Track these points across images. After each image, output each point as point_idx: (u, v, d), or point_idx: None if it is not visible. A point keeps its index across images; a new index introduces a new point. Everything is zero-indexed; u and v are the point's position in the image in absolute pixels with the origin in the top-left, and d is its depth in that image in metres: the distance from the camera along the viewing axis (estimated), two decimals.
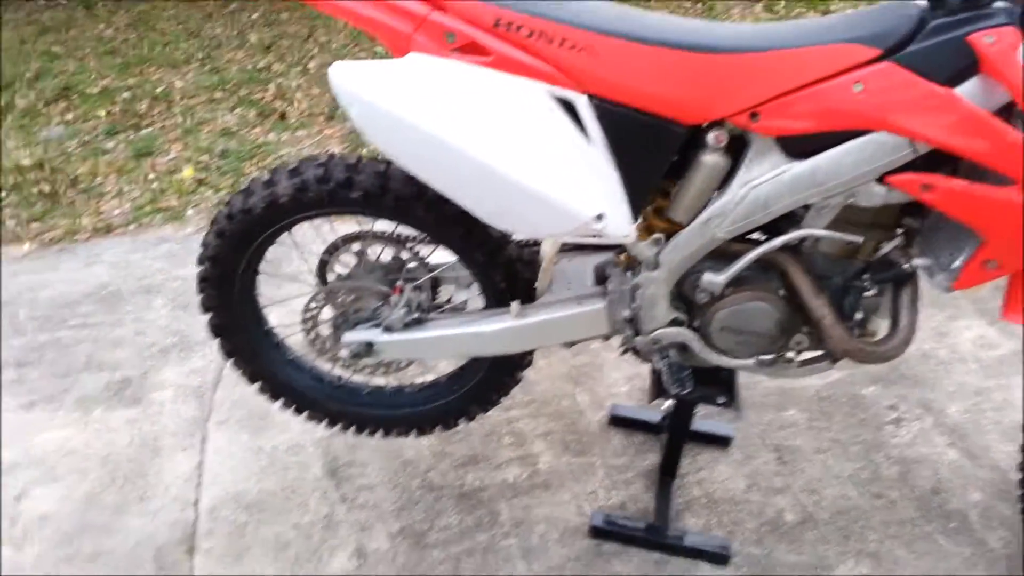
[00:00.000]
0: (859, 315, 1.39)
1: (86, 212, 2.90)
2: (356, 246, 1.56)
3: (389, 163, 1.41)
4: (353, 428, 1.78)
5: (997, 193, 1.14)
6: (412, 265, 1.58)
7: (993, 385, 2.10)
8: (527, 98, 1.21)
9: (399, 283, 1.53)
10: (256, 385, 1.71)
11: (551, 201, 1.22)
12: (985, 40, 1.08)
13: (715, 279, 1.33)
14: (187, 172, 3.13)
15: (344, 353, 1.58)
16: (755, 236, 1.36)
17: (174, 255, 2.64)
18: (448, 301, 1.63)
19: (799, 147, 1.21)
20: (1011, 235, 1.17)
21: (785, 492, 1.82)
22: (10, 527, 1.73)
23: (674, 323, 1.42)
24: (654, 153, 1.25)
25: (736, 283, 1.35)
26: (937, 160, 1.17)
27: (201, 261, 1.53)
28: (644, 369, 2.07)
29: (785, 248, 1.31)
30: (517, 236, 1.47)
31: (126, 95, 3.80)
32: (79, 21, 4.75)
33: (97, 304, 2.41)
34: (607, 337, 1.52)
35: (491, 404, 1.73)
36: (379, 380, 1.74)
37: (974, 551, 1.69)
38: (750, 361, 1.43)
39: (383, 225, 1.48)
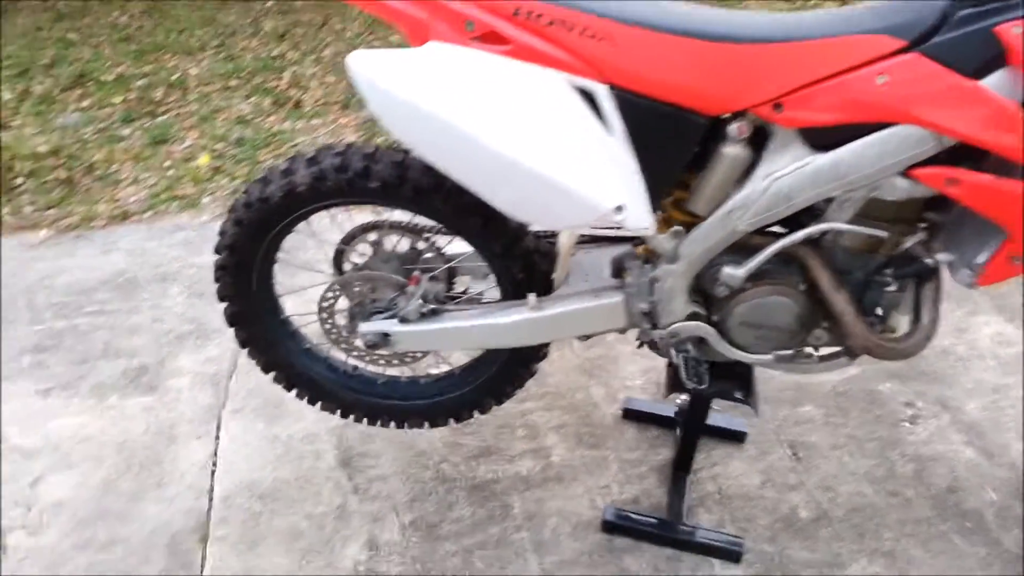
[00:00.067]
0: (879, 311, 1.38)
1: (102, 199, 2.90)
2: (373, 236, 1.56)
3: (407, 153, 1.40)
4: (367, 419, 1.78)
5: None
6: (428, 255, 1.57)
7: (1012, 383, 2.08)
8: (547, 88, 1.20)
9: (416, 273, 1.52)
10: (271, 374, 1.71)
11: (570, 192, 1.21)
12: (1013, 31, 1.06)
13: (735, 272, 1.32)
14: (203, 160, 3.14)
15: (360, 343, 1.58)
16: (775, 229, 1.35)
17: (190, 243, 2.65)
18: (464, 292, 1.63)
19: (822, 139, 1.19)
20: None
21: (800, 489, 1.81)
22: (26, 513, 1.74)
23: (692, 317, 1.40)
24: (675, 144, 1.23)
25: (756, 277, 1.34)
26: (962, 153, 1.15)
27: (219, 249, 1.53)
28: (659, 362, 2.06)
29: (806, 241, 1.30)
30: (535, 227, 1.46)
31: (141, 82, 3.80)
32: (94, 8, 4.75)
33: (114, 291, 2.42)
34: (623, 330, 1.51)
35: (506, 397, 1.72)
36: (394, 371, 1.74)
37: (990, 551, 1.67)
38: (769, 356, 1.42)
39: (400, 215, 1.48)
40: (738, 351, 1.42)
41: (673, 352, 1.46)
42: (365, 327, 1.54)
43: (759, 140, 1.23)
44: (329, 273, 1.62)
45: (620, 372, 2.12)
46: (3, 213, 2.83)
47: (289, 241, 1.56)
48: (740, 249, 1.32)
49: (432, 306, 1.53)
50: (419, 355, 1.66)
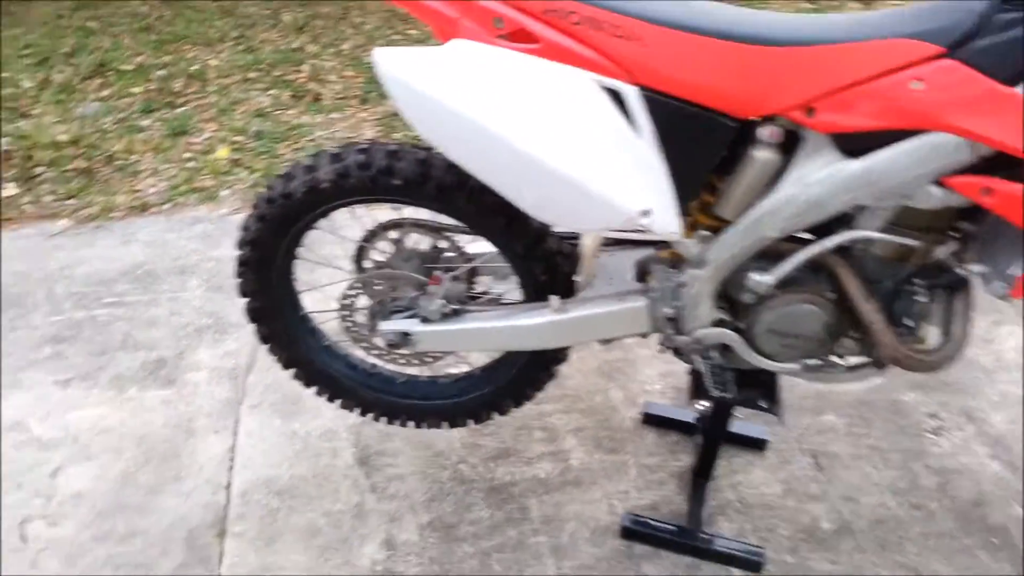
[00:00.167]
0: (909, 321, 1.35)
1: (122, 190, 2.91)
2: (394, 234, 1.55)
3: (430, 150, 1.39)
4: (385, 417, 1.77)
5: None
6: (450, 255, 1.55)
7: None
8: (575, 88, 1.18)
9: (437, 273, 1.51)
10: (290, 371, 1.71)
11: (597, 194, 1.19)
12: None
13: (762, 279, 1.30)
14: (222, 152, 3.14)
15: (380, 342, 1.57)
16: (803, 235, 1.32)
17: (209, 235, 2.65)
18: (485, 292, 1.61)
19: (854, 145, 1.16)
20: None
21: (822, 499, 1.78)
22: (46, 503, 1.74)
23: (718, 323, 1.38)
24: (704, 147, 1.21)
25: (784, 284, 1.31)
26: (998, 162, 1.12)
27: (240, 245, 1.52)
28: (678, 366, 2.03)
29: (836, 249, 1.27)
30: (559, 229, 1.44)
31: (161, 72, 3.81)
32: None
33: (133, 283, 2.42)
34: (646, 335, 1.49)
35: (525, 399, 1.71)
36: (413, 370, 1.72)
37: (1015, 568, 1.64)
38: (795, 365, 1.40)
39: (422, 213, 1.46)
40: (764, 359, 1.39)
41: (697, 359, 1.43)
42: (385, 326, 1.53)
43: (789, 145, 1.21)
44: (349, 270, 1.61)
45: (639, 375, 2.10)
46: (23, 202, 2.84)
47: (309, 237, 1.55)
48: (768, 255, 1.30)
49: (454, 306, 1.51)
50: (439, 355, 1.64)
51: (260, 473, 1.81)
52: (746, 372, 1.46)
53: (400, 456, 1.86)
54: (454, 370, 1.80)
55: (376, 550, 1.65)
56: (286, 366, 1.70)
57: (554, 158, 1.17)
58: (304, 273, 1.67)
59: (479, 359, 1.81)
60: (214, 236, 2.64)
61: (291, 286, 1.62)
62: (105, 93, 3.64)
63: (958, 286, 1.32)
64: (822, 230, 1.28)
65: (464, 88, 1.16)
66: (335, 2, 4.64)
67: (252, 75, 3.81)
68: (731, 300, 1.38)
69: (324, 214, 1.46)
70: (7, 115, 3.40)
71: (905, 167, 1.14)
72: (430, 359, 1.65)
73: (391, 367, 1.72)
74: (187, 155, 3.15)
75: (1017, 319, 2.26)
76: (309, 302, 1.71)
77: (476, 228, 1.45)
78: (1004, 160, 1.10)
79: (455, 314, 1.52)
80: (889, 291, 1.33)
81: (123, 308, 2.31)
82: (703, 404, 1.58)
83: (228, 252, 2.52)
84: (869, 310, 1.29)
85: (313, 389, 1.74)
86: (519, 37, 1.18)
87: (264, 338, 1.65)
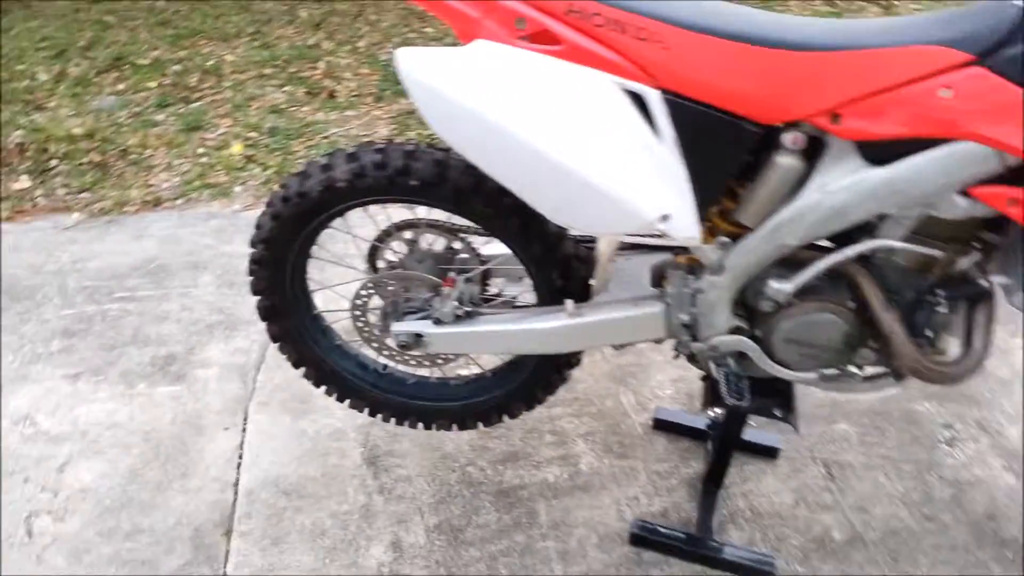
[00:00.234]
0: (929, 332, 1.33)
1: (135, 184, 2.91)
2: (408, 234, 1.54)
3: (447, 151, 1.37)
4: (395, 418, 1.76)
5: None
6: (464, 256, 1.54)
7: None
8: (596, 90, 1.17)
9: (451, 275, 1.49)
10: (301, 370, 1.70)
11: (616, 198, 1.18)
12: None
13: (781, 287, 1.28)
14: (236, 148, 3.14)
15: (392, 342, 1.56)
16: (823, 243, 1.30)
17: (222, 231, 2.64)
18: (498, 294, 1.60)
19: (879, 153, 1.15)
20: None
21: (834, 509, 1.76)
22: (53, 498, 1.73)
23: (735, 331, 1.37)
24: (726, 153, 1.20)
25: (803, 292, 1.30)
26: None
27: (254, 243, 1.51)
28: (690, 372, 2.02)
29: (856, 258, 1.25)
30: (577, 232, 1.43)
31: (177, 67, 3.81)
32: None
33: (144, 277, 2.42)
34: (661, 341, 1.48)
35: (537, 402, 1.69)
36: (424, 371, 1.71)
37: None
38: (812, 375, 1.38)
39: (437, 214, 1.45)
40: (781, 368, 1.38)
41: (713, 366, 1.42)
42: (398, 327, 1.52)
43: (812, 151, 1.19)
44: (363, 269, 1.60)
45: (650, 380, 2.08)
46: (36, 195, 2.84)
47: (322, 236, 1.54)
48: (787, 263, 1.29)
49: (467, 308, 1.50)
50: (451, 357, 1.63)
51: (268, 472, 1.80)
52: (762, 380, 1.44)
53: (408, 457, 1.85)
54: (465, 372, 1.78)
55: (383, 552, 1.64)
56: (296, 365, 1.69)
57: (574, 161, 1.16)
58: (316, 271, 1.66)
59: (490, 361, 1.79)
60: (227, 232, 2.64)
61: (304, 285, 1.62)
62: (121, 87, 3.65)
63: (980, 297, 1.30)
64: (842, 238, 1.26)
65: (484, 89, 1.15)
66: None
67: (267, 71, 3.81)
68: (748, 307, 1.36)
69: (339, 213, 1.45)
70: (22, 107, 3.41)
71: (931, 176, 1.12)
72: (441, 361, 1.64)
73: (402, 368, 1.71)
74: (201, 150, 3.15)
75: None
76: (321, 301, 1.70)
77: (492, 230, 1.44)
78: None
79: (468, 316, 1.51)
80: (910, 301, 1.31)
81: (134, 303, 2.31)
82: (717, 411, 1.56)
83: (240, 248, 2.51)
84: (889, 320, 1.27)
85: (323, 389, 1.73)
86: (541, 38, 1.17)
87: (275, 337, 1.65)
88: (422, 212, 1.50)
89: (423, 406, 1.73)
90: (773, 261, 1.28)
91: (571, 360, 1.62)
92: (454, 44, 1.22)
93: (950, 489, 1.82)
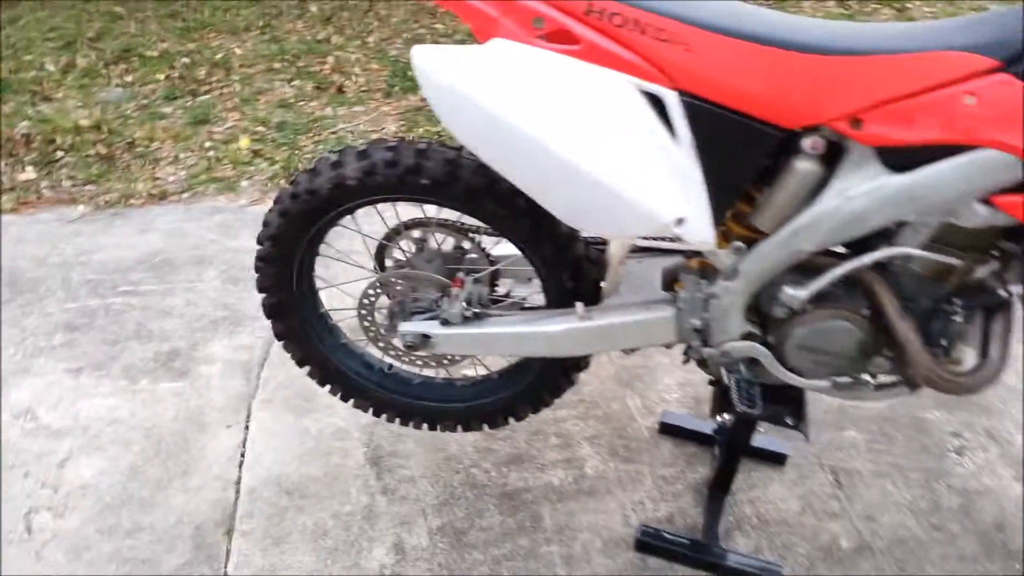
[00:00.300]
0: (944, 341, 1.31)
1: (141, 177, 2.90)
2: (416, 233, 1.52)
3: (459, 150, 1.36)
4: (399, 419, 1.74)
5: None
6: (473, 256, 1.52)
7: None
8: (614, 91, 1.15)
9: (460, 275, 1.48)
10: (305, 369, 1.68)
11: (631, 201, 1.16)
12: None
13: (796, 294, 1.26)
14: (243, 142, 3.12)
15: (398, 342, 1.54)
16: (838, 249, 1.28)
17: (227, 226, 2.63)
18: (506, 295, 1.58)
19: (899, 159, 1.13)
20: None
21: (841, 517, 1.74)
22: (52, 494, 1.72)
23: (747, 337, 1.35)
24: (744, 156, 1.18)
25: (817, 299, 1.28)
26: None
27: (261, 240, 1.49)
28: (697, 375, 2.00)
29: (873, 265, 1.23)
30: (590, 234, 1.41)
31: (185, 60, 3.80)
32: None
33: (149, 271, 2.41)
34: (671, 345, 1.46)
35: (543, 405, 1.67)
36: (430, 372, 1.70)
37: None
38: (825, 382, 1.36)
39: (446, 213, 1.43)
40: (793, 375, 1.36)
41: (724, 372, 1.40)
42: (405, 327, 1.50)
43: (831, 156, 1.17)
44: (370, 268, 1.58)
45: (657, 384, 2.06)
46: (42, 186, 2.83)
47: (330, 234, 1.53)
48: (802, 269, 1.27)
49: (476, 310, 1.48)
50: (458, 358, 1.61)
51: (270, 470, 1.78)
52: (773, 387, 1.42)
53: (412, 458, 1.83)
54: (471, 372, 1.77)
55: (385, 554, 1.62)
56: (301, 363, 1.68)
57: (589, 162, 1.14)
58: (322, 269, 1.64)
59: (497, 362, 1.77)
60: (233, 227, 2.62)
61: (311, 283, 1.60)
62: (129, 79, 3.64)
63: (997, 307, 1.28)
64: (857, 244, 1.24)
65: (500, 89, 1.14)
66: None
67: (276, 65, 3.79)
68: (762, 313, 1.34)
69: (348, 211, 1.44)
70: (29, 98, 3.40)
71: (952, 184, 1.10)
72: (448, 361, 1.62)
73: (407, 368, 1.69)
74: (208, 144, 3.13)
75: None
76: (327, 299, 1.68)
77: (502, 230, 1.43)
78: None
79: (477, 318, 1.49)
80: (925, 310, 1.29)
81: (138, 297, 2.30)
82: (726, 418, 1.54)
83: (246, 243, 2.50)
84: (905, 329, 1.25)
85: (327, 388, 1.71)
86: (559, 37, 1.15)
87: (280, 335, 1.63)
88: (431, 210, 1.48)
89: (428, 407, 1.72)
90: (788, 267, 1.26)
91: (579, 363, 1.61)
92: (464, 40, 1.21)
93: (958, 498, 1.79)
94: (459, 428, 1.73)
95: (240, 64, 3.78)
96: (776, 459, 1.85)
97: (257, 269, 1.53)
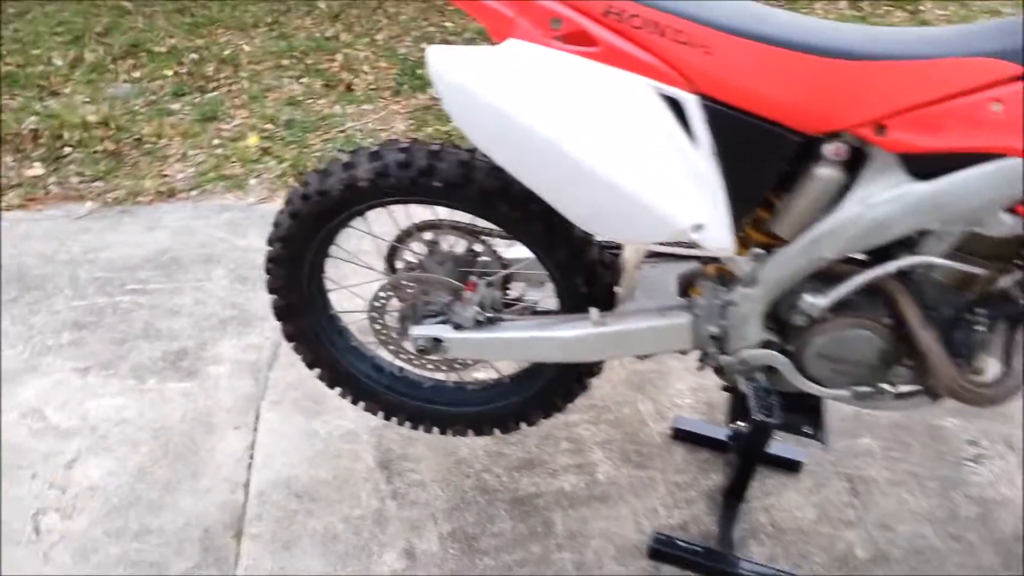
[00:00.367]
0: (966, 351, 1.28)
1: (149, 174, 2.88)
2: (428, 235, 1.50)
3: (473, 152, 1.34)
4: (409, 422, 1.72)
5: None
6: (485, 259, 1.50)
7: None
8: (632, 94, 1.13)
9: (473, 279, 1.46)
10: (315, 371, 1.66)
11: (648, 206, 1.14)
12: None
13: (816, 302, 1.24)
14: (251, 140, 3.10)
15: (410, 346, 1.52)
16: (859, 257, 1.26)
17: (236, 224, 2.61)
18: (519, 299, 1.56)
19: (923, 166, 1.10)
20: None
21: (857, 526, 1.72)
22: (60, 495, 1.71)
23: (765, 345, 1.32)
24: (765, 162, 1.15)
25: (837, 307, 1.25)
26: None
27: (272, 241, 1.47)
28: (710, 381, 1.98)
29: (895, 274, 1.21)
30: (605, 239, 1.39)
31: (193, 56, 3.77)
32: None
33: (157, 270, 2.39)
34: (686, 352, 1.43)
35: (555, 410, 1.66)
36: (441, 375, 1.68)
37: None
38: (844, 391, 1.34)
39: (459, 215, 1.41)
40: (812, 384, 1.33)
41: (741, 380, 1.37)
42: (417, 331, 1.48)
43: (854, 163, 1.14)
44: (381, 270, 1.56)
45: (669, 388, 2.04)
46: (49, 183, 2.82)
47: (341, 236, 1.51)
48: (823, 277, 1.24)
49: (488, 314, 1.46)
50: (470, 362, 1.59)
51: (279, 472, 1.77)
52: (791, 395, 1.40)
53: (422, 462, 1.81)
54: (482, 376, 1.75)
55: (395, 559, 1.61)
56: (310, 365, 1.66)
57: (606, 166, 1.13)
58: (332, 270, 1.62)
59: (508, 366, 1.75)
60: (241, 225, 2.61)
61: (321, 284, 1.58)
62: (137, 74, 3.62)
63: (1021, 317, 1.26)
64: (879, 252, 1.22)
65: (516, 90, 1.12)
66: None
67: (285, 62, 3.77)
68: (780, 321, 1.32)
69: (359, 213, 1.42)
70: (37, 93, 3.38)
71: (977, 192, 1.08)
72: (459, 365, 1.60)
73: (418, 371, 1.67)
74: (216, 141, 3.11)
75: None
76: (337, 301, 1.66)
77: (516, 234, 1.40)
78: None
79: (489, 322, 1.47)
80: (947, 319, 1.26)
81: (146, 296, 2.28)
82: (742, 426, 1.52)
83: (255, 242, 2.48)
84: (927, 338, 1.22)
85: (337, 390, 1.69)
86: (576, 39, 1.13)
87: (290, 336, 1.61)
88: (442, 212, 1.46)
89: (439, 410, 1.70)
90: (808, 274, 1.24)
91: (592, 369, 1.59)
92: (474, 37, 1.18)
93: (976, 507, 1.77)
94: (470, 432, 1.72)
95: (248, 61, 3.76)
96: (791, 466, 1.83)
97: (267, 270, 1.51)
